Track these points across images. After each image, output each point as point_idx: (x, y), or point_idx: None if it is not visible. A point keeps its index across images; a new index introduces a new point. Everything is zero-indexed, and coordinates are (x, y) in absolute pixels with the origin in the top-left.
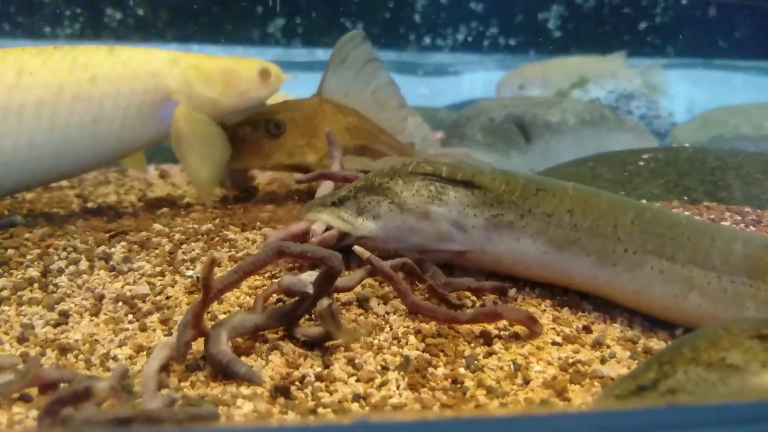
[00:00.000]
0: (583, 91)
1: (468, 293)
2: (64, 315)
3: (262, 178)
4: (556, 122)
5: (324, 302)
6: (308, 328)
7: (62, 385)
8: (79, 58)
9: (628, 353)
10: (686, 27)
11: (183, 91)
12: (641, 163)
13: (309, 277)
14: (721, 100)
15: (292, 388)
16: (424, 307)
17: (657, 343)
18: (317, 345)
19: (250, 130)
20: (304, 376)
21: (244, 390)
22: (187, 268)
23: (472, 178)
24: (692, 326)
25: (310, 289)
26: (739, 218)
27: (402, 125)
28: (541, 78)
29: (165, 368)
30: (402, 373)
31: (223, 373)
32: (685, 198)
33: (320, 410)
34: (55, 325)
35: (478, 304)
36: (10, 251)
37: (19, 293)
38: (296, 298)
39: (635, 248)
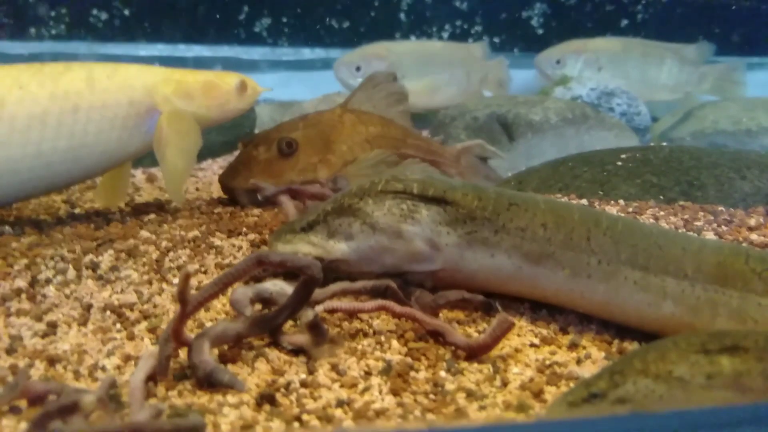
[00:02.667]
0: (566, 88)
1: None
2: (53, 325)
3: None
4: (539, 121)
5: (309, 314)
6: (294, 335)
7: (51, 397)
8: (66, 74)
9: (603, 354)
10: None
11: (167, 105)
12: (619, 163)
13: (272, 286)
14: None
15: (278, 395)
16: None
17: (631, 344)
18: (302, 351)
19: (263, 149)
20: (289, 383)
21: (231, 398)
22: (174, 276)
23: (444, 194)
24: (667, 334)
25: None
26: (712, 218)
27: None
28: (384, 59)
29: (152, 378)
30: (384, 377)
31: (207, 382)
32: (661, 197)
33: (304, 417)
34: (43, 336)
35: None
36: None
37: (7, 304)
38: (276, 306)
39: (609, 259)
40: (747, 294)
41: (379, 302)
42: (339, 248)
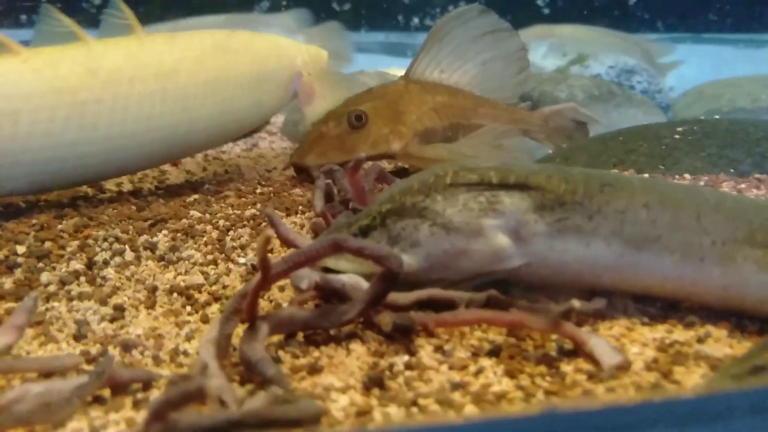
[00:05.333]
0: (583, 66)
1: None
2: (120, 309)
3: None
4: (565, 98)
5: (387, 320)
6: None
7: (135, 385)
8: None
9: (726, 332)
10: (675, 1)
11: (305, 67)
12: (677, 137)
13: (348, 278)
14: (711, 74)
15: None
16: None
17: (751, 323)
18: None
19: (333, 125)
20: (392, 365)
21: (336, 382)
22: (239, 255)
23: (527, 179)
24: None
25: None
26: None
27: (516, 90)
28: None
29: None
30: (495, 359)
31: (251, 371)
32: (732, 171)
33: (421, 401)
34: (112, 320)
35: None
36: (48, 244)
37: (66, 287)
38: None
39: (725, 239)
40: None
41: (480, 313)
42: (406, 260)
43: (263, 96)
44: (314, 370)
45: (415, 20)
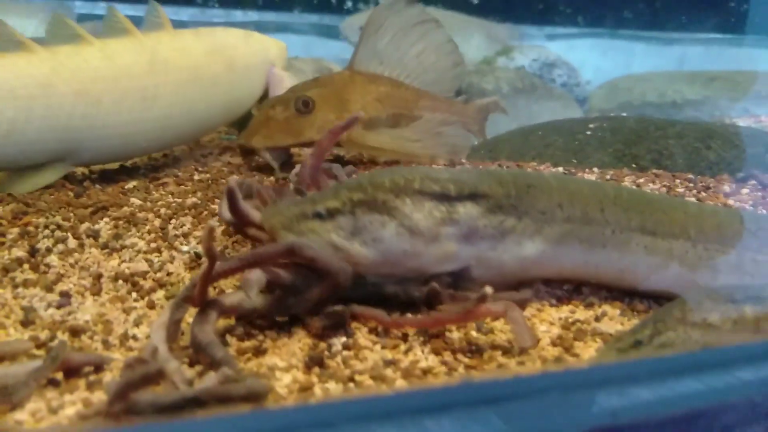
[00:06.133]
0: (509, 58)
1: None
2: (66, 295)
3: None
4: (491, 90)
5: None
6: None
7: (87, 368)
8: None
9: (618, 311)
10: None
11: (276, 60)
12: (589, 133)
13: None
14: (625, 69)
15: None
16: (408, 321)
17: (641, 303)
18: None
19: (281, 109)
20: (330, 346)
21: (279, 362)
22: (182, 244)
23: (476, 188)
24: (672, 294)
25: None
26: (691, 184)
27: (453, 84)
28: None
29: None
30: (423, 339)
31: (201, 353)
32: (634, 166)
33: (357, 377)
34: (59, 307)
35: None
36: None
37: (10, 275)
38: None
39: (622, 228)
40: (743, 251)
41: (425, 318)
42: (361, 252)
43: (254, 84)
44: (259, 352)
45: (349, 3)
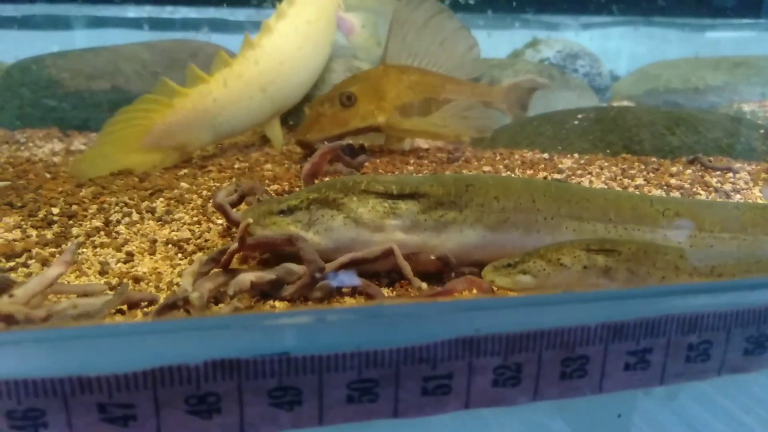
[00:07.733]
0: (536, 50)
1: None
2: (130, 254)
3: None
4: None
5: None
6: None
7: (143, 303)
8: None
9: None
10: None
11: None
12: (576, 122)
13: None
14: (657, 55)
15: None
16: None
17: None
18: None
19: (328, 105)
20: None
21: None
22: (218, 218)
23: (417, 189)
24: None
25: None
26: (644, 167)
27: (473, 67)
28: None
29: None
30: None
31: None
32: (608, 151)
33: None
34: (125, 262)
35: None
36: (74, 207)
37: (91, 239)
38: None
39: (552, 214)
40: (655, 229)
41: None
42: (317, 240)
43: (331, 38)
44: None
45: None
